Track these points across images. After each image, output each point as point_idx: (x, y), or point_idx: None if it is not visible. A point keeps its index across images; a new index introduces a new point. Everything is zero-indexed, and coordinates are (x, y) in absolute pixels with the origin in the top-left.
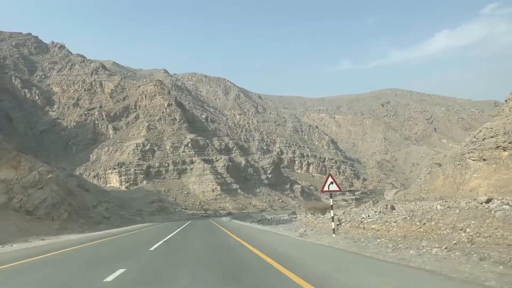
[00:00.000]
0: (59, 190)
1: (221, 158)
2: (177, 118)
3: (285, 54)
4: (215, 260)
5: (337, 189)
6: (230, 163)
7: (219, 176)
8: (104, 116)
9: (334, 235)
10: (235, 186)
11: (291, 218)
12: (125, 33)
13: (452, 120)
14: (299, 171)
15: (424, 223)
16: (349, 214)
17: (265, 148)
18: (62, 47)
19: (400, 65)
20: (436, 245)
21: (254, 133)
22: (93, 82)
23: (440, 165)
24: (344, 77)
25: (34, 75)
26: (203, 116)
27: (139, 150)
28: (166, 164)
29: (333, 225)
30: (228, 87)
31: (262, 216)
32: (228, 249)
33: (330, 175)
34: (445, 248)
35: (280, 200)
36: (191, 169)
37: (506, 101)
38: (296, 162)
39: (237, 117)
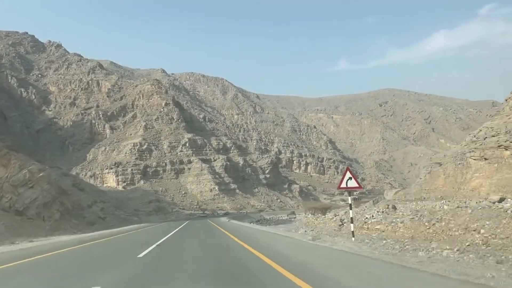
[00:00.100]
0: (51, 189)
1: (219, 158)
2: (174, 118)
3: (285, 54)
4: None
5: (357, 185)
6: (228, 163)
7: (217, 176)
8: (101, 115)
9: (353, 238)
10: (233, 186)
11: (290, 218)
12: (125, 33)
13: (450, 120)
14: (297, 171)
15: (434, 224)
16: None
17: (263, 148)
18: (59, 46)
19: (399, 65)
20: (447, 247)
21: (252, 133)
22: (90, 82)
23: (441, 165)
24: (342, 77)
25: (31, 74)
26: (201, 116)
27: (136, 150)
28: (164, 164)
29: (352, 227)
30: (226, 87)
31: (260, 216)
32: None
33: (348, 169)
34: (457, 250)
35: (279, 200)
36: (189, 169)
37: (506, 100)
38: (294, 162)
39: (235, 117)
